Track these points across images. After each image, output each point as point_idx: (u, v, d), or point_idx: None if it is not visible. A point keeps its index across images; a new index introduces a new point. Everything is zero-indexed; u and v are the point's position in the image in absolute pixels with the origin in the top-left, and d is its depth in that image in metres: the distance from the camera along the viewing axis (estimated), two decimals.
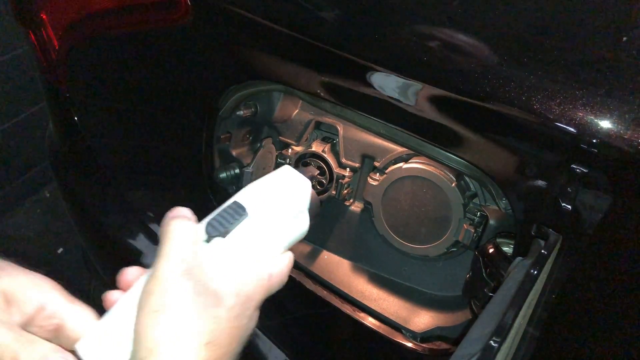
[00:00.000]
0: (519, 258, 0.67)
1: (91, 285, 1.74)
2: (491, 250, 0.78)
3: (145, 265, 0.57)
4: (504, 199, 0.81)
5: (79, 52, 1.08)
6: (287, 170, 0.74)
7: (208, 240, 0.60)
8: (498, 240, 0.79)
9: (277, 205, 0.68)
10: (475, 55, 0.69)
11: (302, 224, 0.73)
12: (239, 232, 0.62)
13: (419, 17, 0.74)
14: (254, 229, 0.64)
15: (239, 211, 0.63)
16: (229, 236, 0.61)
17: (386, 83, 0.74)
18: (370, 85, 0.75)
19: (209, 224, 0.61)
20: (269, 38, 0.84)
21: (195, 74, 0.96)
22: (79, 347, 0.52)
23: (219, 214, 0.63)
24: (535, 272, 0.58)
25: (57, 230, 2.34)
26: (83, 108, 1.18)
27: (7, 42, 2.06)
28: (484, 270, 0.78)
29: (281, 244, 0.67)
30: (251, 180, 0.71)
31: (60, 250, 2.28)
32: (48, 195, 2.54)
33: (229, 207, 0.64)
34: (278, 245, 0.67)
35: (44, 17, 1.10)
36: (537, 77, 0.64)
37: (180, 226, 0.56)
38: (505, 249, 0.79)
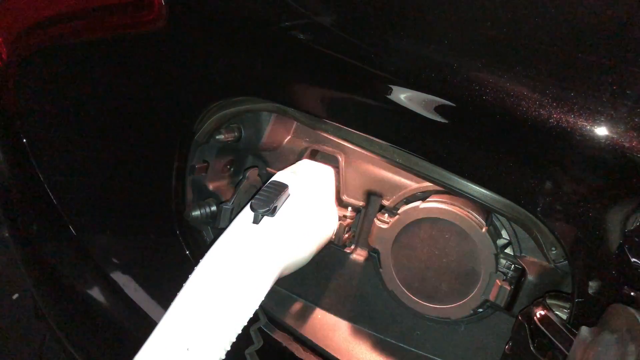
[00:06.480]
0: (586, 328, 0.51)
1: (45, 338, 1.59)
2: (541, 315, 0.60)
3: None
4: (554, 248, 0.64)
5: (31, 65, 0.92)
6: (308, 162, 0.79)
7: (256, 220, 0.62)
8: (548, 301, 0.62)
9: (313, 185, 0.72)
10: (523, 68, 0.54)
11: (333, 214, 0.77)
12: (285, 210, 0.65)
13: (455, 15, 0.59)
14: (299, 207, 0.67)
15: (281, 188, 0.65)
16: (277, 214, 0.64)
17: (413, 99, 0.58)
18: (391, 103, 0.60)
19: (253, 200, 0.63)
20: (267, 44, 0.69)
21: (167, 89, 0.80)
22: None
23: (260, 192, 0.65)
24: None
25: (13, 274, 2.13)
26: (34, 132, 1.00)
27: None
28: (531, 340, 0.60)
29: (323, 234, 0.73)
30: (231, 219, 0.67)
31: (15, 297, 2.08)
32: (7, 235, 2.33)
33: (268, 185, 0.66)
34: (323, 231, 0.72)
35: None
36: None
37: None
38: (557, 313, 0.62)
